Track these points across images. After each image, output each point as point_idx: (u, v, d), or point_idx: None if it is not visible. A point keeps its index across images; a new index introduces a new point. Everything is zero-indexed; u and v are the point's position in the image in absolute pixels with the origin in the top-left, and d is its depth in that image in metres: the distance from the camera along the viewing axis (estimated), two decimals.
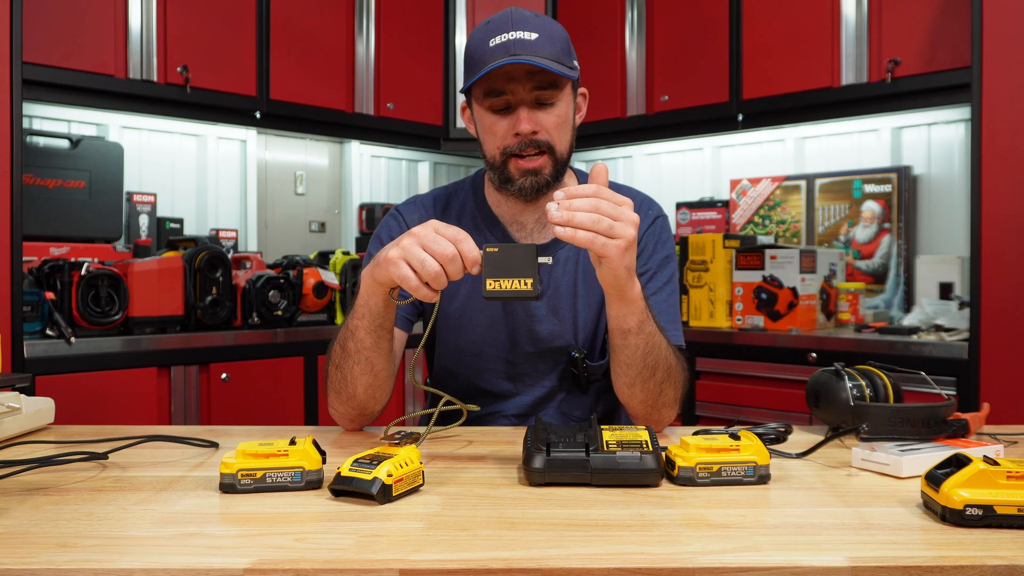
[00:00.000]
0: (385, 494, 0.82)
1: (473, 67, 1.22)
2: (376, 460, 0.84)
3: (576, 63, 1.28)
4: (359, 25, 3.17)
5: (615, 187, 1.41)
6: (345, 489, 0.84)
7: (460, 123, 3.47)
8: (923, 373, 1.40)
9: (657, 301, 1.30)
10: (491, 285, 0.98)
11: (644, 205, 1.38)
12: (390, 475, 0.83)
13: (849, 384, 1.14)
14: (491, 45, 1.20)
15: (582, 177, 1.41)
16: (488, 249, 0.98)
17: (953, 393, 2.16)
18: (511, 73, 1.20)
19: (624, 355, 1.15)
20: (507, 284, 0.98)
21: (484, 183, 1.39)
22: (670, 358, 1.18)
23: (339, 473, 0.85)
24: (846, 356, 2.21)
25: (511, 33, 1.19)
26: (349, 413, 1.22)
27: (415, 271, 0.99)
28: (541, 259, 0.99)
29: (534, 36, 1.19)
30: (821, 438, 1.06)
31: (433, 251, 0.98)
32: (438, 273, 0.98)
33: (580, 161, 3.85)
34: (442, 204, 1.40)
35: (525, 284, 0.98)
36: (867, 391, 1.14)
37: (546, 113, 1.24)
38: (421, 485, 0.88)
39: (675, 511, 0.81)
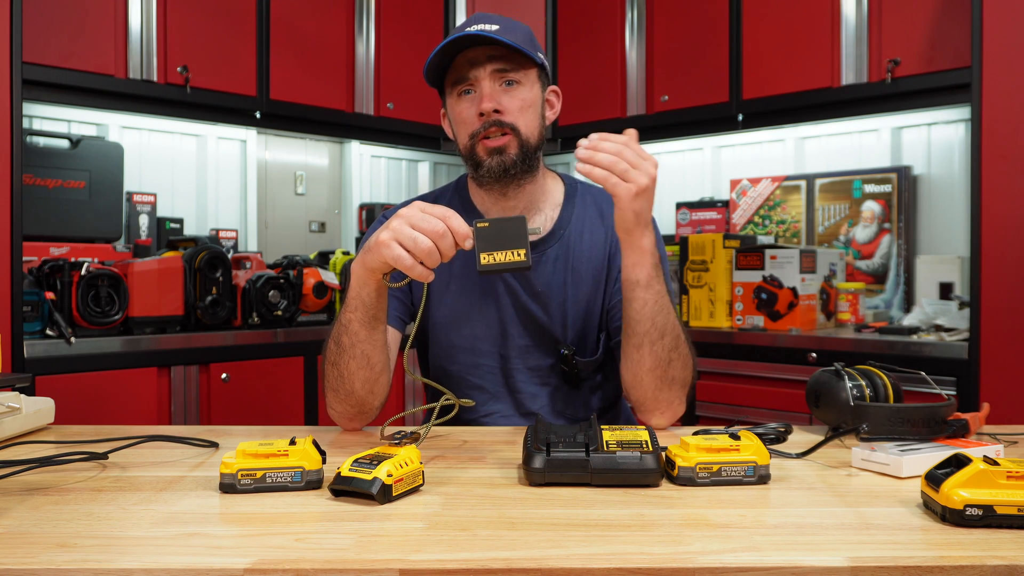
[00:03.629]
0: (385, 494, 0.82)
1: (436, 60, 1.29)
2: (376, 460, 0.84)
3: (541, 56, 1.33)
4: (359, 25, 3.17)
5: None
6: (345, 489, 0.84)
7: None
8: (923, 373, 1.41)
9: None
10: (485, 259, 1.02)
11: None
12: (390, 475, 0.83)
13: (849, 384, 1.14)
14: (455, 39, 1.27)
15: (572, 184, 1.43)
16: (479, 224, 1.02)
17: (953, 393, 2.16)
18: (473, 59, 1.27)
19: (632, 309, 1.18)
20: (500, 256, 1.01)
21: (468, 183, 1.42)
22: (678, 328, 1.21)
23: (339, 473, 0.85)
24: (846, 356, 2.20)
25: (473, 26, 1.26)
26: (348, 411, 1.22)
27: (408, 250, 1.01)
28: (530, 227, 1.03)
29: (495, 27, 1.26)
30: (821, 438, 1.06)
31: (423, 228, 1.00)
32: (431, 249, 1.00)
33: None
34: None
35: (518, 255, 1.02)
36: (867, 391, 1.14)
37: (510, 96, 1.29)
38: (421, 485, 0.88)
39: (675, 511, 0.81)
